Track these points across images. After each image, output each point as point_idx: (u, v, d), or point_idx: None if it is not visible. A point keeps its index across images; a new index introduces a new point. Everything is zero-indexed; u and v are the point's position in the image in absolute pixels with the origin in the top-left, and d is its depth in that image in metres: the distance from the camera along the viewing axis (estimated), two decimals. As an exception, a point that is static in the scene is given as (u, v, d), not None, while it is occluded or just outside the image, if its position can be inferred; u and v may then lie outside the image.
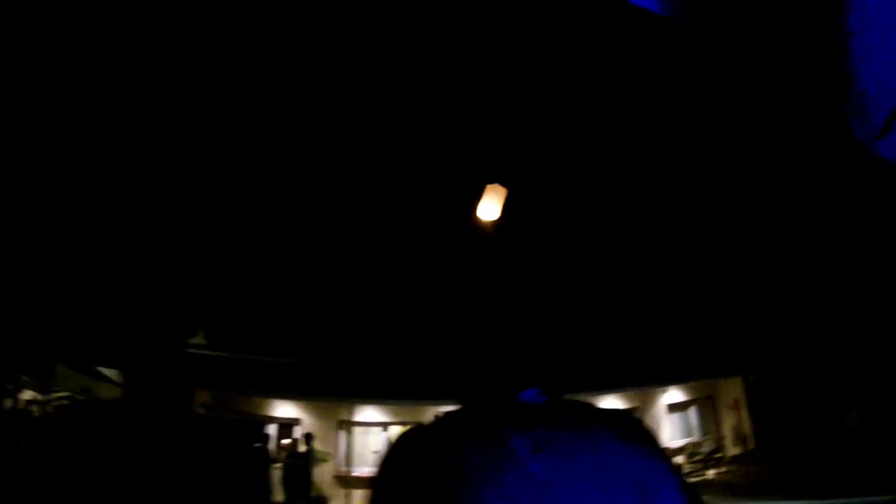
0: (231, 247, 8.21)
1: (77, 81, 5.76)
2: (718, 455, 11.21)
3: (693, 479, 10.11)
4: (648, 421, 10.51)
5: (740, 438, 11.78)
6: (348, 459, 11.04)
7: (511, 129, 6.48)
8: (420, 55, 5.56)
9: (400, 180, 7.13)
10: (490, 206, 5.06)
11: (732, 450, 11.64)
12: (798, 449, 10.36)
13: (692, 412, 12.33)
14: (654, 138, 6.12)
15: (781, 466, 9.83)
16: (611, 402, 10.78)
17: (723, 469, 10.80)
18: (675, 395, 12.04)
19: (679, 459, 10.75)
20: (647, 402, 11.57)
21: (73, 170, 6.65)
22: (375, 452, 10.02)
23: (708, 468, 10.61)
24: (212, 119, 6.35)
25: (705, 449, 11.46)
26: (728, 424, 12.17)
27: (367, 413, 11.21)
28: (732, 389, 12.35)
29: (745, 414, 12.01)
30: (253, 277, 8.77)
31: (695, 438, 11.94)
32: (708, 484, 9.42)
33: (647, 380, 11.08)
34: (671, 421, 11.84)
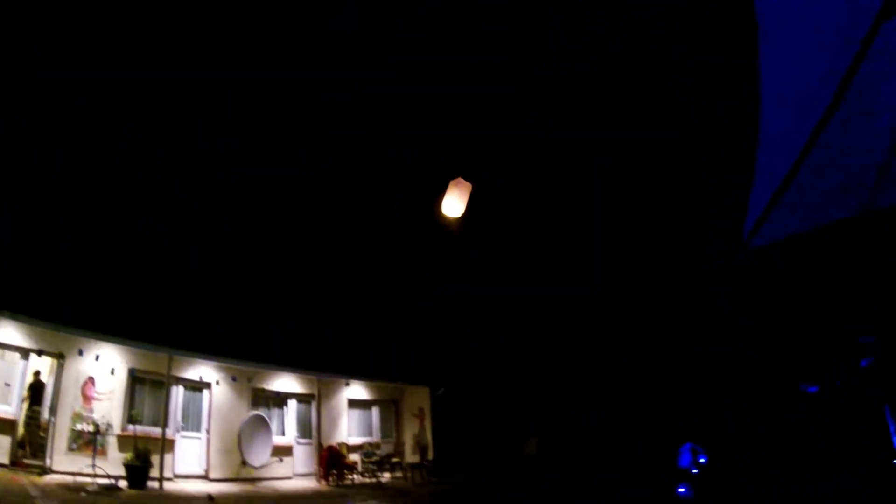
0: (230, 246, 8.20)
1: (77, 81, 5.76)
2: (395, 460, 10.89)
3: (366, 479, 9.80)
4: (327, 412, 9.47)
5: (420, 447, 11.56)
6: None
7: (511, 129, 6.48)
8: (420, 55, 5.56)
9: (399, 180, 7.13)
10: (454, 203, 4.84)
11: (411, 457, 11.31)
12: (475, 467, 10.27)
13: (374, 412, 11.84)
14: (654, 138, 6.12)
15: (456, 482, 9.73)
16: (286, 381, 9.95)
17: (398, 474, 10.49)
18: (357, 390, 11.41)
19: (355, 457, 10.39)
20: (327, 391, 10.66)
21: (72, 170, 6.64)
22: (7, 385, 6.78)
23: (383, 471, 10.27)
24: (212, 119, 6.35)
25: (382, 451, 11.06)
26: (409, 432, 11.91)
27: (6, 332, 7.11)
28: (418, 398, 11.95)
29: (428, 424, 11.76)
30: (251, 277, 8.78)
31: (374, 439, 11.51)
32: (381, 486, 9.11)
33: (324, 367, 10.17)
34: (351, 417, 11.17)
